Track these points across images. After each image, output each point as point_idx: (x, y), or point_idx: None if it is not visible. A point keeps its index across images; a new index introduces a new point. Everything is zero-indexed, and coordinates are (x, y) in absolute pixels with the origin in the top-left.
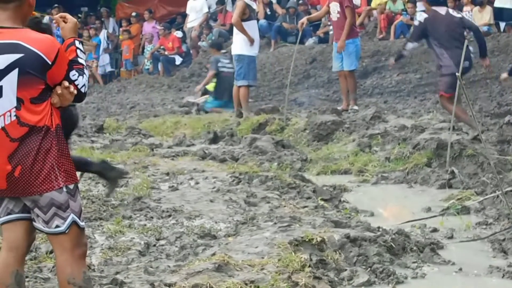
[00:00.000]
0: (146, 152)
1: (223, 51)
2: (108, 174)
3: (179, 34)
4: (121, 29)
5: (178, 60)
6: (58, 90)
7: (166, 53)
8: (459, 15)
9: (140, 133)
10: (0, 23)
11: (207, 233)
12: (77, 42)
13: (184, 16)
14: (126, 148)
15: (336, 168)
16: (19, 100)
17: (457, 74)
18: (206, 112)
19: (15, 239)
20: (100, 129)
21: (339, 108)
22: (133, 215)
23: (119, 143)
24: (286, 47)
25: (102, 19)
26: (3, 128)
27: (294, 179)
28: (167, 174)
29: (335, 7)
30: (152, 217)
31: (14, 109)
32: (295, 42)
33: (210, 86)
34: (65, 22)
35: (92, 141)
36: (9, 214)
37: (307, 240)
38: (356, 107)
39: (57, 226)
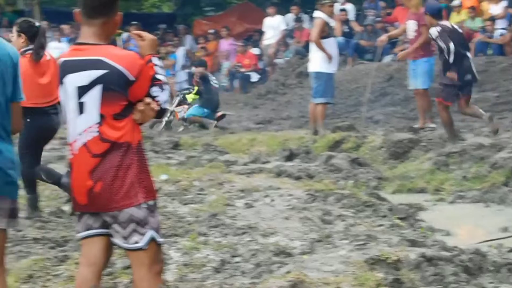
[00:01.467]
0: (222, 169)
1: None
2: (29, 209)
3: (256, 51)
4: (198, 46)
5: (255, 77)
6: (140, 106)
7: (242, 70)
8: (460, 31)
9: (215, 150)
10: (85, 39)
11: (282, 250)
12: (155, 59)
13: (261, 33)
14: (202, 165)
15: (412, 186)
16: (102, 116)
17: None
18: (185, 119)
19: (94, 254)
20: (176, 146)
21: (415, 126)
22: (208, 232)
23: (195, 159)
24: (363, 65)
25: (180, 36)
26: (85, 144)
27: (370, 197)
28: (243, 191)
29: (412, 26)
30: (227, 234)
31: (97, 125)
32: (372, 60)
33: (190, 97)
34: (143, 40)
35: (168, 158)
36: (88, 229)
37: (382, 258)
38: (432, 125)
39: (135, 242)
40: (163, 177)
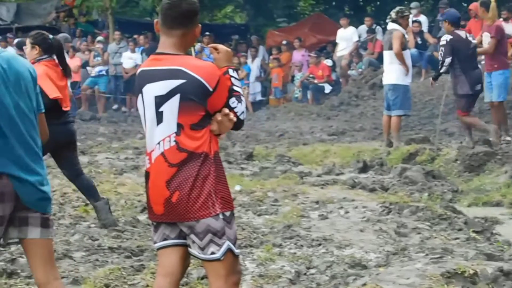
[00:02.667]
0: (296, 180)
1: None
2: (100, 216)
3: (329, 62)
4: (271, 57)
5: (328, 88)
6: (218, 117)
7: (315, 81)
8: (474, 41)
9: (289, 161)
10: (164, 49)
11: (357, 262)
12: (230, 71)
13: (334, 44)
14: (276, 176)
15: (488, 199)
16: (179, 126)
17: None
18: None
19: (171, 264)
20: (250, 156)
21: (491, 139)
22: (283, 243)
23: (269, 170)
24: None
25: (254, 46)
26: (162, 154)
27: (445, 210)
28: (317, 202)
29: (486, 38)
30: (302, 246)
31: (174, 135)
32: (447, 72)
33: None
34: (218, 53)
35: (242, 168)
36: (165, 239)
37: (459, 272)
38: (508, 138)
39: (212, 253)
40: (237, 188)
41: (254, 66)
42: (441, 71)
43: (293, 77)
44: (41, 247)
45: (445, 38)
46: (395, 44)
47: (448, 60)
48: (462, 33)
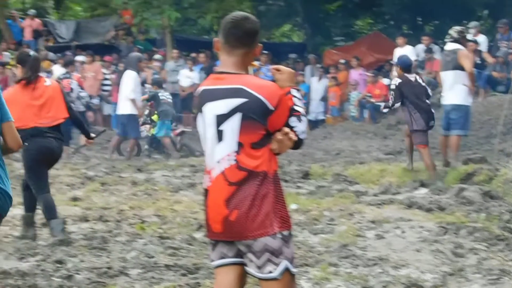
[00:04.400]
0: (352, 199)
1: (164, 87)
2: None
3: (386, 81)
4: (328, 75)
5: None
6: (278, 136)
7: (372, 100)
8: (423, 84)
9: (345, 180)
10: (225, 68)
11: (414, 283)
12: (293, 91)
13: (392, 63)
14: (332, 195)
15: None
16: (240, 145)
17: None
18: (157, 140)
19: (228, 283)
20: (306, 175)
21: None
22: (339, 262)
23: (325, 189)
24: (495, 97)
25: (322, 67)
26: (222, 172)
27: (502, 231)
28: (373, 222)
29: None
30: (358, 265)
31: (234, 153)
32: (505, 92)
33: (155, 117)
34: (281, 74)
35: (298, 187)
36: (222, 258)
37: None
38: None
39: (269, 272)
40: (293, 206)
41: (320, 85)
42: (384, 111)
43: (349, 95)
44: None
45: (394, 83)
46: (467, 64)
47: (397, 105)
48: (412, 76)
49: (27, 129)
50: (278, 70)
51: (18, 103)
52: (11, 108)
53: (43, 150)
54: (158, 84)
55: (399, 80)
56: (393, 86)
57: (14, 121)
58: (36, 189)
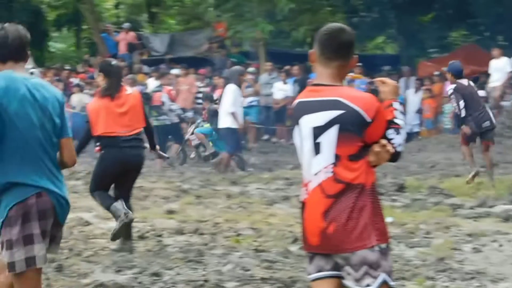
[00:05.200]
0: (448, 212)
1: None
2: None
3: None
4: (423, 88)
5: None
6: (376, 148)
7: None
8: (476, 88)
9: (441, 193)
10: (322, 80)
11: None
12: (395, 104)
13: (487, 75)
14: (427, 208)
15: None
16: (337, 157)
17: None
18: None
19: None
20: (401, 188)
21: None
22: (436, 276)
23: (420, 202)
24: None
25: (418, 79)
26: (319, 185)
27: None
28: (470, 235)
29: None
30: (455, 279)
31: (331, 166)
32: None
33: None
34: (386, 86)
35: (393, 200)
36: (320, 271)
37: None
38: None
39: (367, 285)
40: (388, 219)
41: (416, 98)
42: (462, 114)
43: (443, 108)
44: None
45: (451, 88)
46: None
47: (462, 103)
48: (464, 81)
49: (108, 137)
50: (383, 82)
51: (102, 111)
52: (96, 117)
53: (116, 165)
54: (210, 99)
55: (453, 86)
56: (450, 91)
57: (100, 129)
58: (92, 187)
